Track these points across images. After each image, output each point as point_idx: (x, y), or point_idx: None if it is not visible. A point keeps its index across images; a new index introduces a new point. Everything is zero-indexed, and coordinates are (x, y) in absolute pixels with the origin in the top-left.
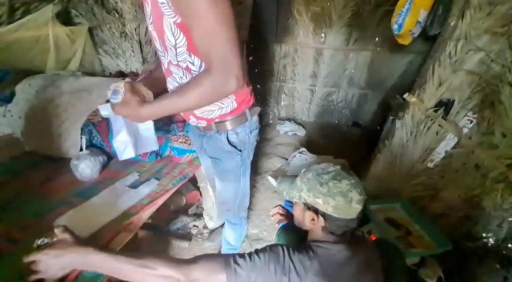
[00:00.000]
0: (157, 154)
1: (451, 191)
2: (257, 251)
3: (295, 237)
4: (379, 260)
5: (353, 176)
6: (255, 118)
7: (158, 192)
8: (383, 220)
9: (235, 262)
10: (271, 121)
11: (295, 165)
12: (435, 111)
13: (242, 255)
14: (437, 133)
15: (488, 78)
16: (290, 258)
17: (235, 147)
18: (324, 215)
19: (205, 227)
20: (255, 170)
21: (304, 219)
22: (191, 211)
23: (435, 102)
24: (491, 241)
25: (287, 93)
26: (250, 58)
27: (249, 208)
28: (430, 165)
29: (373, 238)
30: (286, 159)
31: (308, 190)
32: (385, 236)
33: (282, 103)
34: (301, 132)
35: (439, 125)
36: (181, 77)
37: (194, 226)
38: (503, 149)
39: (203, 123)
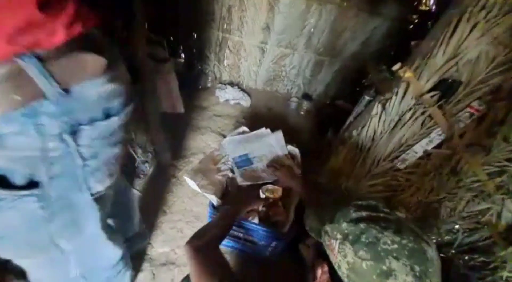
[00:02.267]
0: None
1: (412, 194)
2: None
3: None
4: None
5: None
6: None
7: None
8: None
9: None
10: (209, 85)
11: (231, 151)
12: (431, 96)
13: None
14: (422, 125)
15: None
16: None
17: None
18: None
19: None
20: (179, 151)
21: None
22: None
23: (434, 82)
24: (434, 241)
25: (231, 49)
26: None
27: (163, 211)
28: (401, 165)
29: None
30: (224, 136)
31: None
32: None
33: (225, 61)
34: (246, 102)
35: (429, 116)
36: None
37: None
38: (494, 154)
39: None
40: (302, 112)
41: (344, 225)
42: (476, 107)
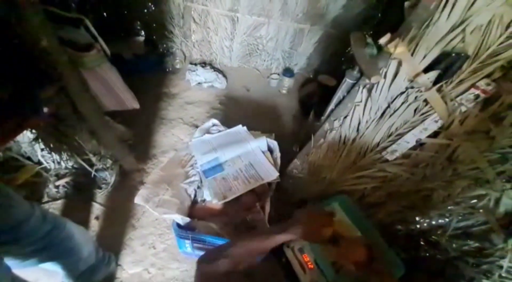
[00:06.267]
0: None
1: (401, 184)
2: None
3: None
4: None
5: None
6: None
7: None
8: None
9: None
10: (178, 66)
11: (198, 154)
12: (429, 76)
13: None
14: (415, 111)
15: None
16: None
17: None
18: None
19: None
20: (147, 150)
21: None
22: None
23: (433, 57)
24: (424, 225)
25: (197, 21)
26: None
27: (131, 225)
28: (390, 157)
29: (305, 258)
30: (197, 127)
31: None
32: (320, 260)
33: (192, 37)
34: (220, 84)
35: (424, 100)
36: None
37: None
38: (498, 141)
39: None
40: (283, 91)
41: None
42: (482, 88)
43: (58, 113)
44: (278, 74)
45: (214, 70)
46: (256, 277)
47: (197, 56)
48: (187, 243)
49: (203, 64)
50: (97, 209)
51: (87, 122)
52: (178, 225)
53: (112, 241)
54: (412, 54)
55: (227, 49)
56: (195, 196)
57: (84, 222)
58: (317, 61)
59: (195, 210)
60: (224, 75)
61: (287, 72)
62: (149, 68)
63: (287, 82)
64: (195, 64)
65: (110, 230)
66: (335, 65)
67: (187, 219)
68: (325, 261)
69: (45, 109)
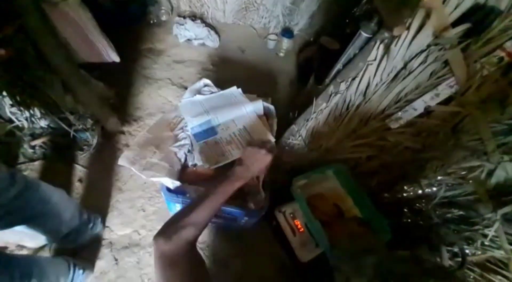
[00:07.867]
0: None
1: (398, 153)
2: None
3: None
4: None
5: None
6: None
7: None
8: (311, 198)
9: None
10: (164, 18)
11: (189, 116)
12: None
13: None
14: (431, 74)
15: None
16: None
17: None
18: None
19: None
20: (131, 111)
21: None
22: None
23: (464, 9)
24: (411, 194)
25: None
26: None
27: (118, 188)
28: (394, 125)
29: (297, 223)
30: (187, 89)
31: None
32: (309, 222)
33: None
34: (213, 42)
35: (443, 62)
36: None
37: None
38: (509, 110)
39: None
40: (281, 54)
41: None
42: (508, 50)
43: (20, 59)
44: (276, 34)
45: (206, 26)
46: (245, 240)
47: (185, 7)
48: (178, 206)
49: (193, 17)
50: (80, 171)
51: (59, 74)
52: (168, 189)
53: (98, 204)
54: (443, 2)
55: (220, 1)
56: (185, 160)
57: (66, 184)
58: (319, 21)
59: (185, 174)
60: (217, 32)
61: (287, 32)
62: (130, 18)
63: (286, 44)
64: (184, 17)
65: (95, 192)
66: (338, 27)
67: (178, 183)
68: (315, 224)
69: (1, 51)
